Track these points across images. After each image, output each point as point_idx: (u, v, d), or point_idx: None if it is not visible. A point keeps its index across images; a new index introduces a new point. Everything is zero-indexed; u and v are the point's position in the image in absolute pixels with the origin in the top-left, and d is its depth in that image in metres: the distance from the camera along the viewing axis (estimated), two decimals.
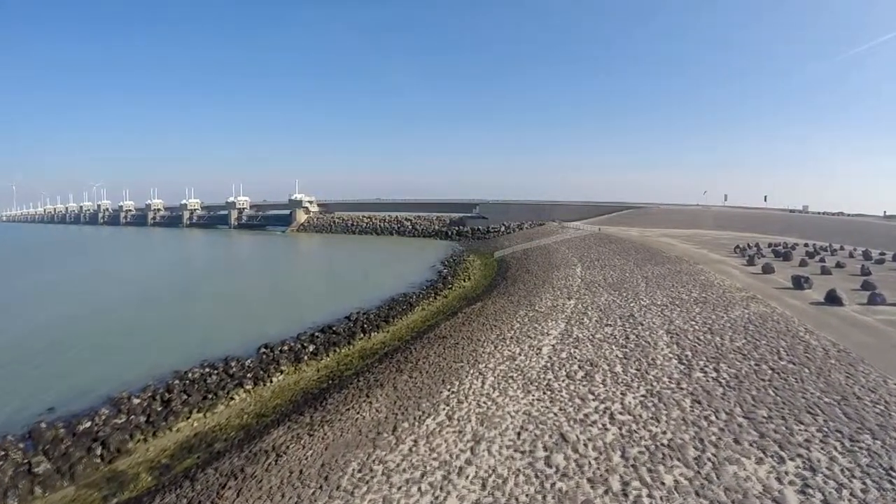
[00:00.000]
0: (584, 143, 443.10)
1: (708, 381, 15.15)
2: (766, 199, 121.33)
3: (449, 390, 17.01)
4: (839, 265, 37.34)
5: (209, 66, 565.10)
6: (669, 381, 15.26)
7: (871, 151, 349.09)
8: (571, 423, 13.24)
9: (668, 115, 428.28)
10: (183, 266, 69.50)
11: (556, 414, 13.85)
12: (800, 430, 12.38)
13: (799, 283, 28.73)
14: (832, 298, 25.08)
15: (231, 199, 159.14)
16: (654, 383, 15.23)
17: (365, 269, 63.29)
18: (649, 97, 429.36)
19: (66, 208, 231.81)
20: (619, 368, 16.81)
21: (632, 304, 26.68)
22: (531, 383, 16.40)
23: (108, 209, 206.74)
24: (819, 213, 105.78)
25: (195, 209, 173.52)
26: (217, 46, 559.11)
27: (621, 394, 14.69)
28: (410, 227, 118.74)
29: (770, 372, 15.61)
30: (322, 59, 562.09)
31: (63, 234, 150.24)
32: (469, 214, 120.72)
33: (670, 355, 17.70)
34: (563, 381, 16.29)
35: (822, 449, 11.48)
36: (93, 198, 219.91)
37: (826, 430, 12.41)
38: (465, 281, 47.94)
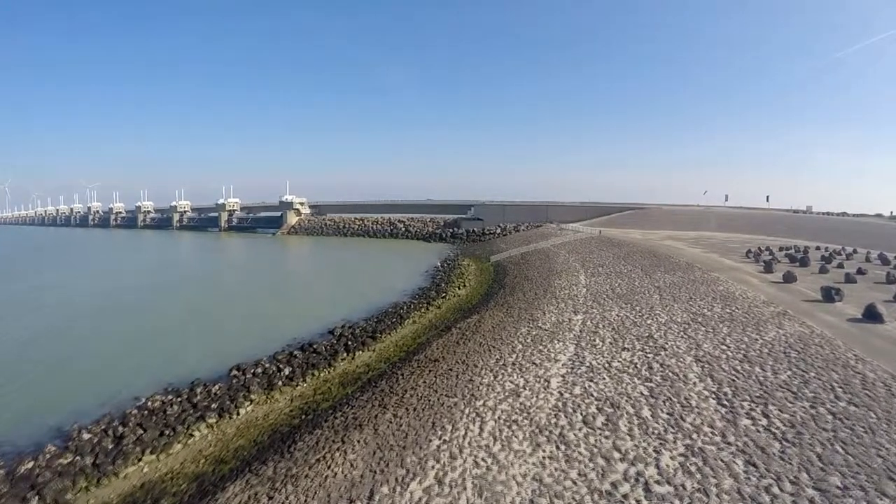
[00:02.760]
0: (582, 143, 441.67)
1: (759, 431, 12.25)
2: (768, 200, 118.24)
3: (440, 438, 14.04)
4: (860, 271, 34.83)
5: (202, 67, 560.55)
6: (712, 433, 12.32)
7: (870, 151, 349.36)
8: (596, 496, 10.31)
9: (668, 114, 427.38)
10: (165, 273, 66.05)
11: (574, 482, 10.89)
12: None
13: (829, 295, 25.99)
14: (871, 314, 22.38)
15: (221, 201, 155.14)
16: (694, 435, 12.29)
17: (354, 275, 60.37)
18: (648, 96, 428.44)
19: (58, 210, 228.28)
20: (646, 412, 13.84)
21: (648, 321, 23.71)
22: (540, 432, 13.41)
23: (98, 211, 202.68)
24: (823, 213, 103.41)
25: (185, 211, 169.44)
26: (210, 47, 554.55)
27: (655, 451, 11.74)
28: (403, 229, 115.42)
29: (831, 418, 12.77)
30: (316, 58, 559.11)
31: (52, 238, 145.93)
32: (464, 216, 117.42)
33: (706, 393, 14.76)
34: (580, 429, 13.31)
35: None
36: (84, 200, 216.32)
37: None
38: (459, 289, 44.92)
